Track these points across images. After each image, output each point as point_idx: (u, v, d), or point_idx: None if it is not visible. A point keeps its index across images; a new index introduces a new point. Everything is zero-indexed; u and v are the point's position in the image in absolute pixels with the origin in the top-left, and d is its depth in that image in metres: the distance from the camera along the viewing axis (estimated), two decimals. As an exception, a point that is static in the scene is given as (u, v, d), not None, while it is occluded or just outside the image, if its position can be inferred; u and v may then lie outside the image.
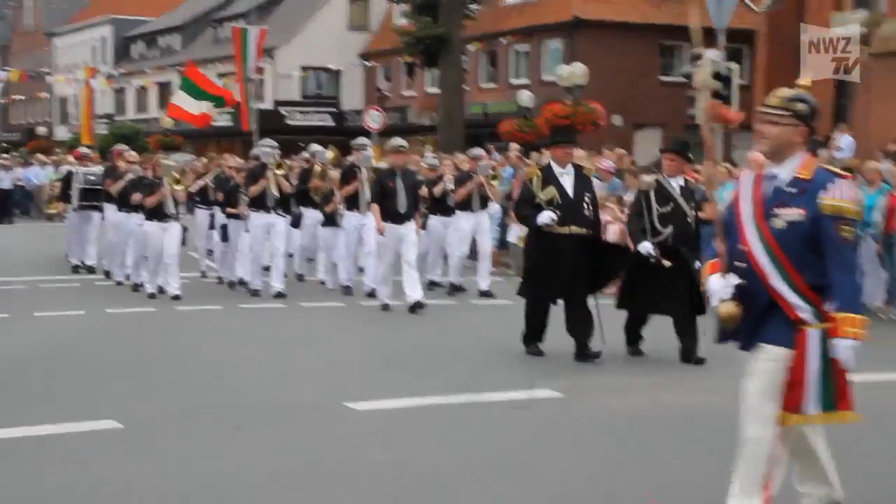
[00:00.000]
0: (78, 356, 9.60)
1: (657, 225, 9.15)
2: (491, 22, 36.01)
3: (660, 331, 9.44)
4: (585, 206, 9.32)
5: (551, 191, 9.22)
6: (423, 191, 13.24)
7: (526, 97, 29.11)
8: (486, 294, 13.57)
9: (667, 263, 8.98)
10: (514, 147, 19.66)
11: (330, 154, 16.74)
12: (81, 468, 6.00)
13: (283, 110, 42.67)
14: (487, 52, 36.96)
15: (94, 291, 14.36)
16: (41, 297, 13.58)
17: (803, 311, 4.56)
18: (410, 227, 12.30)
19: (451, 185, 13.91)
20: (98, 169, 16.20)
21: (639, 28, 33.96)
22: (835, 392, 4.56)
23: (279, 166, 13.68)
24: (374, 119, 30.15)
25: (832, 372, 4.54)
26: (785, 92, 4.66)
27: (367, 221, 13.17)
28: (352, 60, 42.47)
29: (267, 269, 13.83)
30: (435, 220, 13.92)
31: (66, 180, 16.74)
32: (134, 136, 40.23)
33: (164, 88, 50.21)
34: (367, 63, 42.56)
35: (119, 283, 14.71)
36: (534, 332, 9.50)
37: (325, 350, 10.05)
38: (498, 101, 35.23)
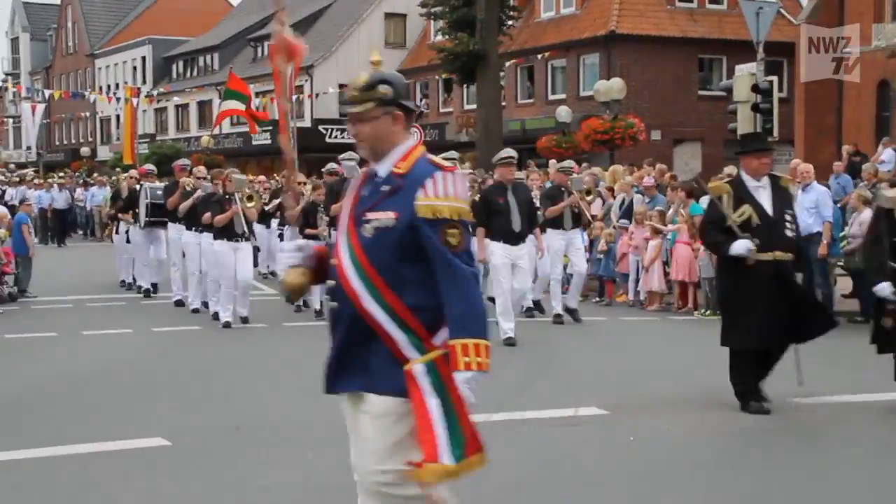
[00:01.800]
0: (126, 374, 9.70)
1: None
2: (528, 37, 36.08)
3: (703, 346, 9.39)
4: (787, 225, 7.73)
5: (747, 210, 7.67)
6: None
7: (564, 112, 29.14)
8: (572, 313, 12.71)
9: None
10: (553, 163, 19.68)
11: None
12: (130, 485, 6.06)
13: (322, 128, 42.94)
14: (524, 68, 37.01)
15: (140, 310, 14.48)
16: (88, 316, 13.71)
17: (403, 342, 3.65)
18: (525, 250, 11.07)
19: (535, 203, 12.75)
20: (163, 185, 15.67)
21: (676, 42, 33.86)
22: (464, 435, 3.65)
23: None
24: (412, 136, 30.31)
25: (455, 413, 3.64)
26: (360, 81, 3.76)
27: None
28: (389, 78, 42.64)
29: None
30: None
31: (132, 196, 16.23)
32: (175, 154, 40.61)
33: (204, 107, 50.74)
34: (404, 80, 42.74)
35: (196, 311, 13.71)
36: (747, 389, 7.76)
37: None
38: (535, 117, 35.23)
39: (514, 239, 10.91)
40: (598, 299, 15.21)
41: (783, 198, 7.84)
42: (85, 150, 55.08)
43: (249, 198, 12.53)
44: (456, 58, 29.92)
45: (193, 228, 13.56)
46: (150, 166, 17.27)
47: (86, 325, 12.68)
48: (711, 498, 5.84)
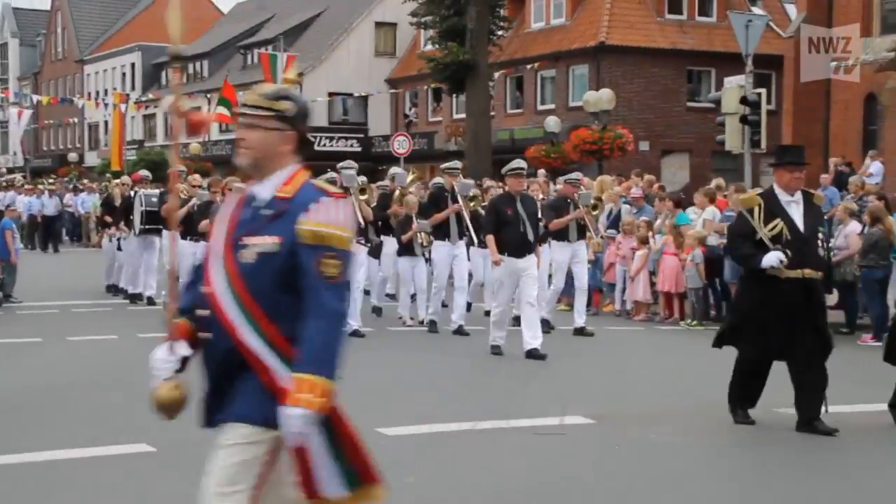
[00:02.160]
0: (111, 380, 9.64)
1: None
2: (517, 48, 36.15)
3: (689, 356, 9.40)
4: (819, 243, 7.58)
5: (778, 224, 7.42)
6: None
7: (552, 123, 29.21)
8: (582, 331, 12.49)
9: None
10: (542, 173, 19.72)
11: (411, 176, 16.36)
12: (114, 491, 6.03)
13: (310, 136, 42.87)
14: (514, 78, 37.08)
15: (125, 316, 14.44)
16: (74, 322, 13.66)
17: (282, 374, 3.43)
18: (532, 261, 10.94)
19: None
20: (158, 192, 15.57)
21: (666, 53, 33.98)
22: (354, 465, 3.52)
23: (363, 191, 12.14)
24: (401, 145, 30.41)
25: (341, 443, 3.50)
26: (266, 88, 3.68)
27: (458, 252, 12.41)
28: (378, 86, 42.70)
29: None
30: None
31: (126, 203, 16.15)
32: (163, 161, 40.54)
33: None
34: (393, 89, 42.79)
35: None
36: (743, 396, 7.67)
37: (360, 375, 10.00)
38: (524, 127, 35.30)
39: (522, 250, 10.76)
40: (585, 309, 15.22)
41: (815, 215, 7.66)
42: (73, 156, 54.89)
43: None
44: (445, 67, 29.99)
45: (188, 237, 13.37)
46: (144, 172, 17.09)
47: (71, 330, 12.62)
48: (697, 507, 5.84)
